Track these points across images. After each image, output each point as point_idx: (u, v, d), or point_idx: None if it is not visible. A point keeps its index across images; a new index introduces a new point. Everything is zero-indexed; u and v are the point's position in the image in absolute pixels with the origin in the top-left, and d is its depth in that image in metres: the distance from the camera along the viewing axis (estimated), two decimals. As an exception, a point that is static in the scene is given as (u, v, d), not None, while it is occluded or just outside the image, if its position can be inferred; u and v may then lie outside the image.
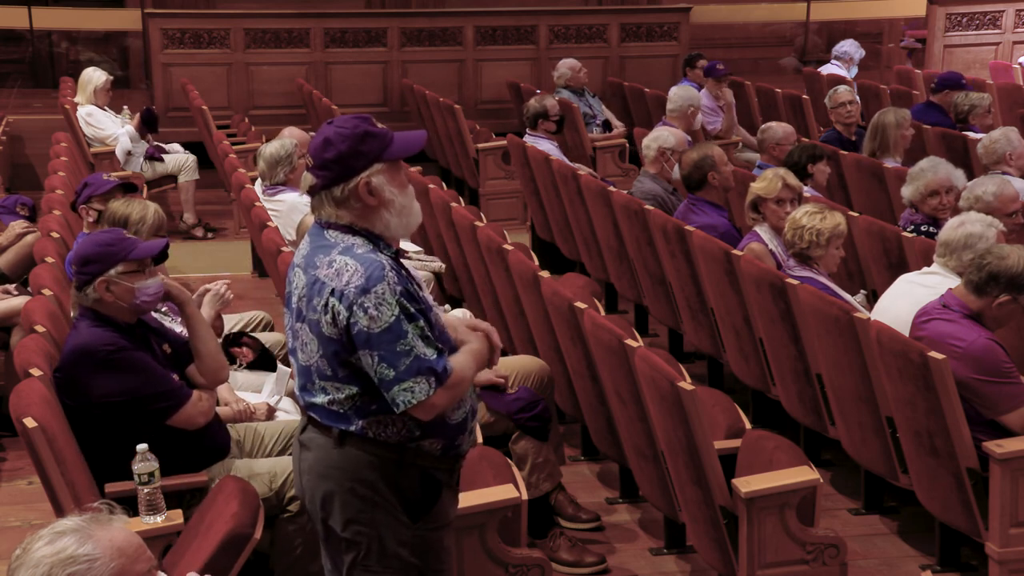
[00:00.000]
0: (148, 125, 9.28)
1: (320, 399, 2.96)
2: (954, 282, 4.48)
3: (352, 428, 2.93)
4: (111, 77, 9.51)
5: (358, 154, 2.92)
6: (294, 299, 2.99)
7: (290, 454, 4.02)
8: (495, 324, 3.91)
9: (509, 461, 4.08)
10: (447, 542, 3.11)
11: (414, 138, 3.03)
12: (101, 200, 5.40)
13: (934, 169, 5.81)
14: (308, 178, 3.06)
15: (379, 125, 2.99)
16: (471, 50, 11.84)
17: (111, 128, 9.19)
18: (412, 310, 2.87)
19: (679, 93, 8.58)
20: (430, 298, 3.04)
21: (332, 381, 2.92)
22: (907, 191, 5.89)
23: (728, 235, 5.79)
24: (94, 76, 9.37)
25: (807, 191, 6.52)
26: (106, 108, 9.40)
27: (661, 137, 6.89)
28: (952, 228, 4.74)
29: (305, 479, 3.04)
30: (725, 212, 6.17)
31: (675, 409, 3.81)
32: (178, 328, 4.26)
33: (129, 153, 9.11)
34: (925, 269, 4.88)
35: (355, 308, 2.83)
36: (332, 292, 2.85)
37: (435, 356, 2.87)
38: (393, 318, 2.83)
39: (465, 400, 3.04)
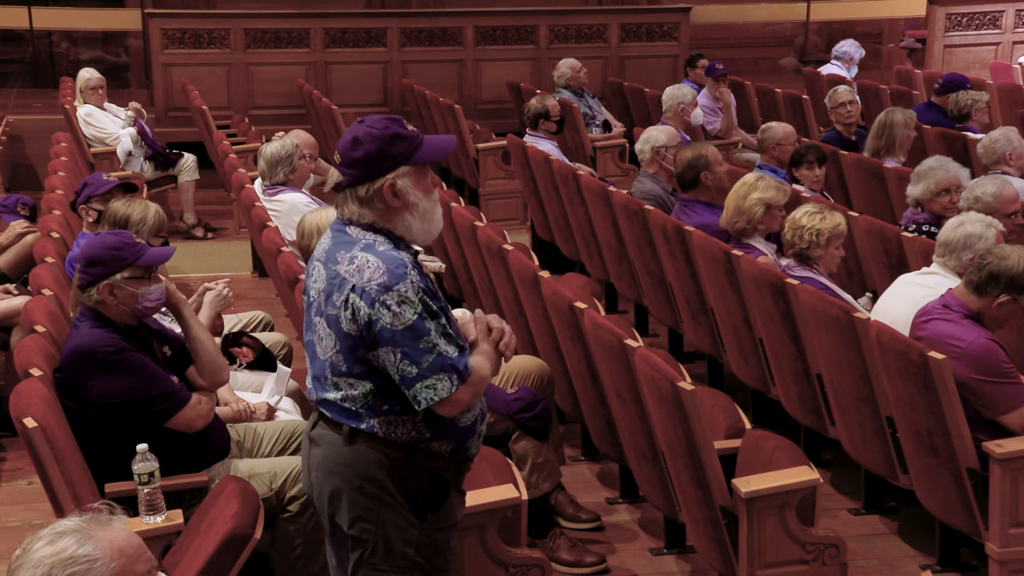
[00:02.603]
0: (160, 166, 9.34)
1: (333, 395, 2.96)
2: (953, 282, 4.47)
3: (363, 426, 2.94)
4: (101, 77, 9.50)
5: (386, 155, 2.92)
6: (312, 293, 2.99)
7: (290, 454, 4.03)
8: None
9: (509, 461, 4.08)
10: (454, 543, 3.11)
11: (443, 143, 3.03)
12: (101, 200, 5.40)
13: (944, 167, 5.78)
14: (334, 174, 3.06)
15: (410, 127, 2.99)
16: (471, 50, 11.83)
17: (111, 128, 9.19)
18: (434, 308, 2.89)
19: (670, 93, 8.64)
20: None
21: (347, 377, 2.93)
22: (915, 190, 5.84)
23: (723, 234, 5.78)
24: (81, 75, 9.40)
25: (806, 192, 6.53)
26: (105, 107, 9.39)
27: (652, 137, 6.91)
28: (951, 228, 4.73)
29: (313, 475, 3.04)
30: (719, 211, 6.16)
31: (675, 409, 3.81)
32: (178, 329, 4.25)
33: (129, 153, 9.11)
34: (924, 269, 4.87)
35: (377, 305, 2.83)
36: (353, 288, 2.86)
37: (457, 353, 2.90)
38: (416, 316, 2.84)
39: (475, 403, 3.05)
